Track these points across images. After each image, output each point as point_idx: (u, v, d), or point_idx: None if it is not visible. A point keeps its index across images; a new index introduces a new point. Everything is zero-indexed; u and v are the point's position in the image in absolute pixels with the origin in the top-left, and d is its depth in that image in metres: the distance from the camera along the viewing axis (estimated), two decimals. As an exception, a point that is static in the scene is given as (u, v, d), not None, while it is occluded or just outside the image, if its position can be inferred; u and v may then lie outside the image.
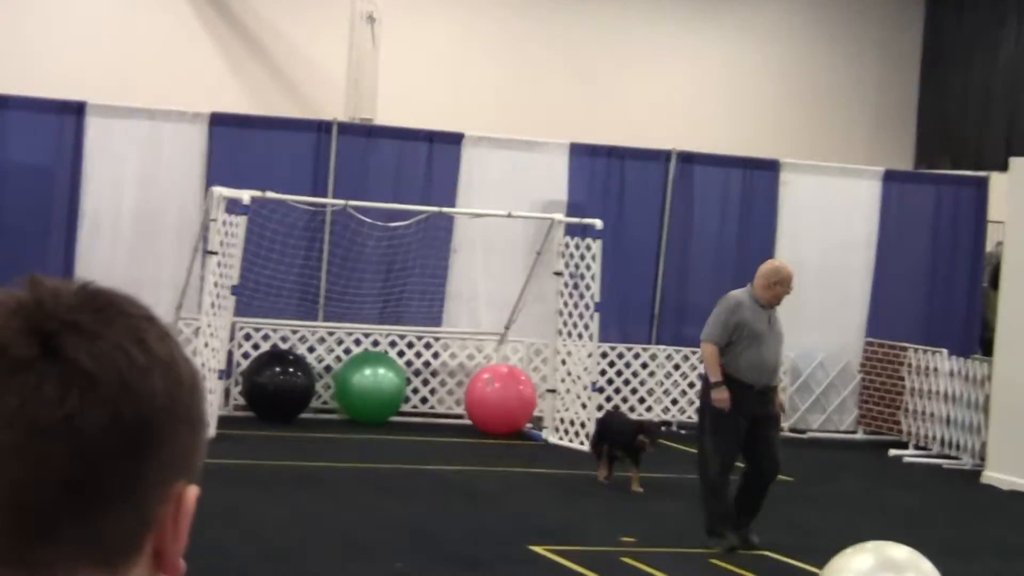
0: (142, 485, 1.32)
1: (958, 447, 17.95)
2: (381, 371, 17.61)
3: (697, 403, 18.79)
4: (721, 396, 11.72)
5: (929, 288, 19.70)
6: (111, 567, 1.32)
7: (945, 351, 18.46)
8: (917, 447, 18.50)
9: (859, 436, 19.46)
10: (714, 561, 11.57)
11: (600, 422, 15.49)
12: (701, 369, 18.86)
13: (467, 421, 18.02)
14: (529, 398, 17.40)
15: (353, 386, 17.42)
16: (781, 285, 12.23)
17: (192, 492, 1.38)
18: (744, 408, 11.76)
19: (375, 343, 18.04)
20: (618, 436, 14.54)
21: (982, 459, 17.10)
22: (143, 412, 1.31)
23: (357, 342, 18.00)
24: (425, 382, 18.23)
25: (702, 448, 12.17)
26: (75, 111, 17.38)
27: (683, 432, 18.58)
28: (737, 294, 12.37)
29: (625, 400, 18.72)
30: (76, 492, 1.29)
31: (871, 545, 8.96)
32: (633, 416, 16.73)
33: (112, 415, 1.29)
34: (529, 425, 17.48)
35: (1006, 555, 12.93)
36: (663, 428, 18.71)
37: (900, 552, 8.85)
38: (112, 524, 1.31)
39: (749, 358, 11.88)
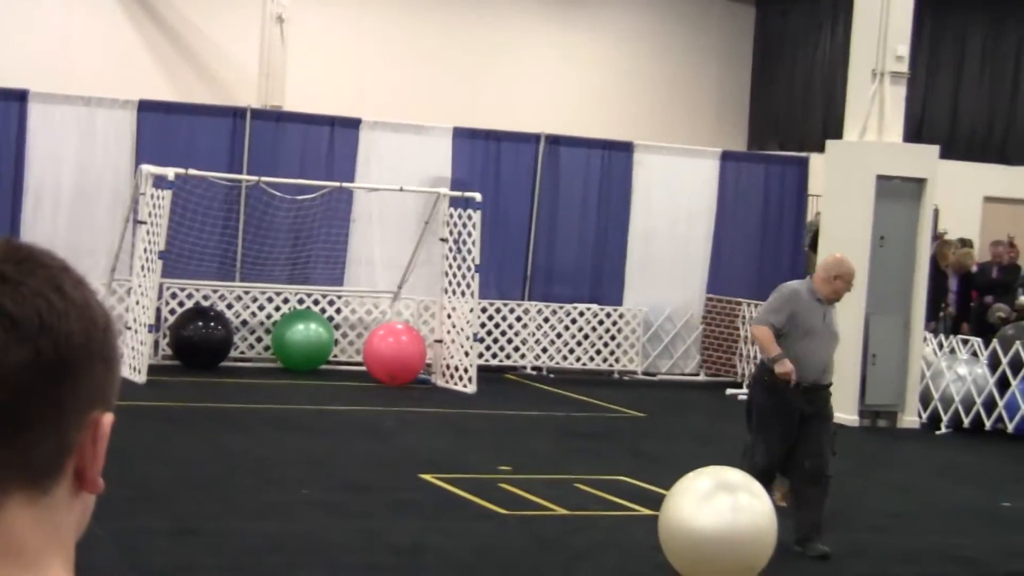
0: (62, 413, 1.31)
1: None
2: (313, 326, 17.54)
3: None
4: (784, 368, 9.87)
5: (760, 251, 19.88)
6: (38, 486, 1.32)
7: (773, 305, 18.64)
8: (749, 387, 18.68)
9: (701, 378, 19.63)
10: (578, 486, 11.60)
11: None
12: (568, 321, 19.04)
13: (366, 368, 17.97)
14: (420, 353, 17.24)
15: (287, 338, 17.35)
16: (841, 280, 10.10)
17: (108, 419, 1.37)
18: (793, 403, 9.92)
19: (285, 300, 17.92)
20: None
21: (804, 397, 17.31)
22: (61, 350, 1.31)
23: (270, 300, 17.89)
24: (332, 334, 18.12)
25: (748, 445, 10.22)
26: (18, 98, 17.08)
27: (552, 376, 18.66)
28: (794, 284, 10.43)
29: (502, 349, 18.74)
30: (3, 419, 1.29)
31: (710, 470, 9.02)
32: None
33: (34, 352, 1.29)
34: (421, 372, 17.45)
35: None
36: (548, 373, 18.79)
37: (735, 476, 8.93)
38: (37, 448, 1.31)
39: (799, 352, 9.91)
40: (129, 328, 16.13)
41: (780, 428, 9.93)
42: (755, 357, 18.75)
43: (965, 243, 22.17)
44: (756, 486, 8.87)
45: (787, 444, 9.90)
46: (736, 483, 8.80)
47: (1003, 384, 16.22)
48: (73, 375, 1.32)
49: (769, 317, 10.11)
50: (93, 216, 17.27)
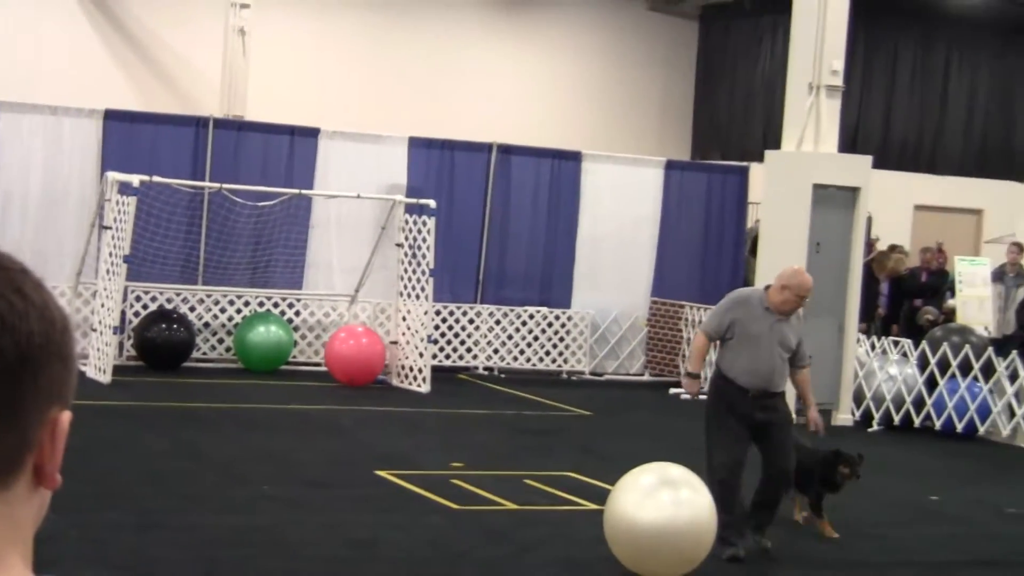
0: (22, 410, 1.31)
1: (699, 392, 18.18)
2: (273, 327, 17.50)
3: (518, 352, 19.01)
4: (687, 386, 10.11)
5: (702, 256, 19.99)
6: None
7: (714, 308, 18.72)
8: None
9: (646, 378, 19.71)
10: (527, 481, 11.64)
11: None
12: (519, 323, 19.07)
13: (325, 369, 17.95)
14: (380, 354, 17.20)
15: (247, 340, 17.30)
16: (790, 291, 9.48)
17: (66, 416, 1.36)
18: (740, 411, 9.55)
19: (246, 303, 17.87)
20: (808, 470, 10.41)
21: (744, 395, 17.38)
22: (21, 348, 1.30)
23: (231, 303, 17.85)
24: (291, 336, 18.08)
25: (706, 451, 9.80)
26: (-13, 107, 16.97)
27: (503, 376, 18.69)
28: (745, 291, 10.18)
29: (455, 350, 18.76)
30: None
31: (654, 466, 9.08)
32: (814, 448, 10.76)
33: None
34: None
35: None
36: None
37: (677, 471, 8.98)
38: None
39: (743, 361, 9.54)
40: (95, 330, 16.05)
41: (732, 431, 9.57)
42: (705, 359, 18.84)
43: (896, 248, 22.38)
44: (696, 481, 8.93)
45: (741, 448, 9.58)
46: (678, 479, 8.87)
47: (931, 383, 16.38)
48: (33, 373, 1.31)
49: (707, 325, 9.95)
50: (60, 221, 17.17)
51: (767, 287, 9.74)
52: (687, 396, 9.65)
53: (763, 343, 9.51)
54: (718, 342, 9.88)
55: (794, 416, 10.09)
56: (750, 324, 9.54)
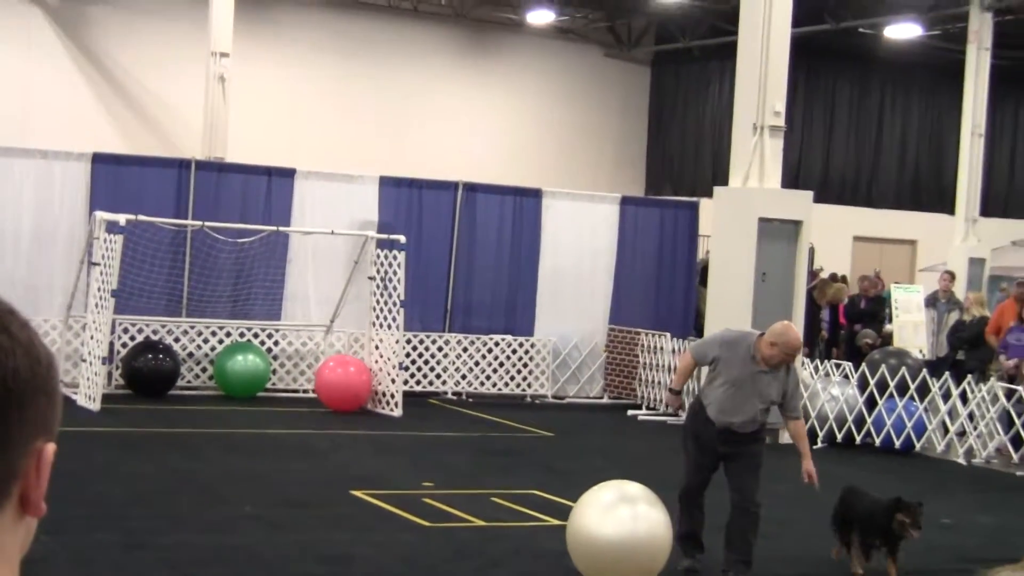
0: (9, 442, 1.30)
1: (680, 407, 18.23)
2: (251, 356, 17.42)
3: (483, 379, 18.98)
4: (669, 400, 10.06)
5: (656, 286, 20.02)
6: None
7: (668, 334, 18.79)
8: (648, 408, 18.80)
9: (605, 400, 19.69)
10: (495, 500, 11.61)
11: (842, 503, 10.11)
12: (485, 351, 19.05)
13: (303, 395, 17.89)
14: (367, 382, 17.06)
15: (227, 368, 17.22)
16: (777, 348, 9.08)
17: (50, 448, 1.36)
18: (704, 439, 9.40)
19: (228, 334, 17.79)
20: (868, 520, 9.75)
21: (697, 416, 17.38)
22: (8, 383, 1.29)
23: (213, 333, 17.77)
24: (269, 364, 18.00)
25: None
26: (-19, 151, 16.88)
27: (470, 400, 18.66)
28: (738, 334, 9.69)
29: (425, 376, 18.71)
30: None
31: (613, 483, 9.08)
32: (877, 497, 10.04)
33: None
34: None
35: (713, 485, 13.16)
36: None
37: (634, 488, 8.98)
38: None
39: (719, 396, 9.28)
40: (84, 360, 15.94)
41: (695, 455, 9.48)
42: (653, 380, 18.87)
43: (836, 278, 22.50)
44: (653, 497, 8.93)
45: (699, 475, 9.47)
46: (635, 495, 8.87)
47: (871, 403, 16.44)
48: (20, 407, 1.30)
49: (695, 349, 9.71)
50: (51, 258, 17.07)
51: (761, 334, 9.32)
52: (669, 407, 9.30)
53: (741, 389, 9.20)
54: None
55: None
56: (732, 367, 9.23)
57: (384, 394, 16.94)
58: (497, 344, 19.08)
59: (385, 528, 10.37)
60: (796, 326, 16.51)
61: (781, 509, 12.33)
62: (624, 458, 14.70)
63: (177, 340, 17.58)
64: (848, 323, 20.32)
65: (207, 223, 16.92)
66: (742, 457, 9.27)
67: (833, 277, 22.10)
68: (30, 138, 19.19)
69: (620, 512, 8.71)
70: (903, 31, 27.74)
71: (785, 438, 16.39)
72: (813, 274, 21.66)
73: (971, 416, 16.28)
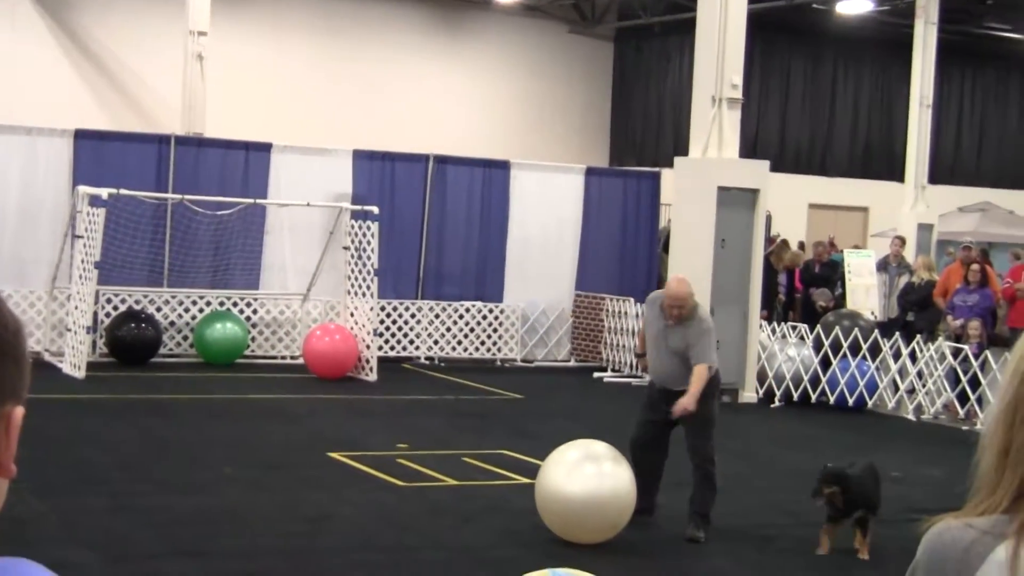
0: None
1: (644, 369, 18.28)
2: (230, 325, 17.34)
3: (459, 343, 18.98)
4: (639, 362, 10.11)
5: (620, 253, 20.03)
6: None
7: (632, 299, 18.81)
8: (613, 370, 18.84)
9: (572, 364, 19.71)
10: (466, 460, 11.62)
11: (840, 484, 8.98)
12: (456, 317, 19.04)
13: (280, 361, 17.85)
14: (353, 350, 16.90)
15: (207, 336, 17.14)
16: (668, 299, 9.37)
17: (19, 412, 1.34)
18: (652, 397, 9.71)
19: (208, 303, 17.71)
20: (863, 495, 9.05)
21: (659, 377, 17.41)
22: None
23: (194, 303, 17.68)
24: (247, 332, 17.94)
25: None
26: (-34, 129, 16.71)
27: (442, 365, 18.66)
28: (656, 295, 9.84)
29: (399, 342, 18.69)
30: None
31: (579, 442, 9.11)
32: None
33: None
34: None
35: (674, 443, 13.22)
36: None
37: (600, 447, 9.02)
38: None
39: (651, 355, 9.62)
40: (69, 330, 15.85)
41: (642, 411, 9.78)
42: (618, 344, 18.90)
43: (800, 246, 22.58)
44: (617, 455, 8.96)
45: (648, 428, 9.63)
46: (601, 454, 8.90)
47: (825, 363, 16.52)
48: None
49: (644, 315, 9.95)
50: (36, 232, 16.92)
51: None
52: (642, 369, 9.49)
53: (657, 345, 9.47)
54: None
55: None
56: (651, 326, 9.54)
57: (359, 359, 16.90)
58: (468, 311, 19.06)
59: (362, 488, 10.37)
60: (755, 291, 16.67)
61: (737, 465, 12.40)
62: (591, 418, 14.74)
63: (159, 309, 17.49)
64: (804, 287, 20.39)
65: (187, 196, 16.81)
66: (690, 417, 9.29)
67: (786, 244, 22.15)
68: (15, 115, 18.99)
69: (586, 470, 8.74)
70: (854, 6, 27.76)
71: (744, 398, 16.51)
72: (771, 240, 21.70)
73: (920, 374, 16.38)
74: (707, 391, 9.38)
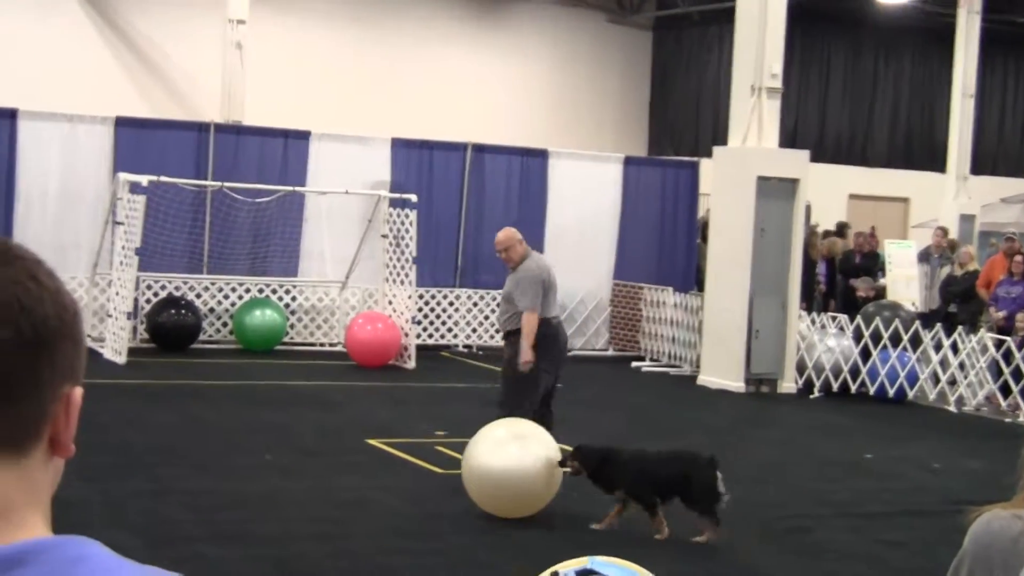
0: (40, 385, 1.31)
1: (680, 359, 18.29)
2: (269, 311, 17.45)
3: (496, 331, 18.99)
4: None
5: (658, 243, 19.99)
6: (19, 449, 1.31)
7: (671, 288, 18.79)
8: (651, 360, 18.82)
9: (610, 353, 19.72)
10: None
11: (583, 461, 8.99)
12: (494, 305, 19.06)
13: (319, 348, 17.93)
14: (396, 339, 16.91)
15: (246, 323, 17.25)
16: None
17: (78, 392, 1.36)
18: None
19: (247, 290, 17.82)
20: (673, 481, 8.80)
21: (697, 367, 17.43)
22: (39, 329, 1.30)
23: (233, 290, 17.79)
24: (286, 319, 18.04)
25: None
26: (9, 116, 16.84)
27: (480, 353, 18.69)
28: None
29: (437, 330, 18.73)
30: None
31: (505, 421, 9.32)
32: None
33: (15, 331, 1.28)
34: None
35: (711, 432, 13.23)
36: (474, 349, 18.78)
37: (528, 427, 9.14)
38: (19, 415, 1.30)
39: None
40: (110, 316, 15.99)
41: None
42: (655, 333, 18.87)
43: (844, 227, 22.48)
44: (546, 436, 9.16)
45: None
46: (528, 433, 9.09)
47: (865, 354, 16.45)
48: (50, 352, 1.31)
49: None
50: (77, 218, 17.07)
51: None
52: None
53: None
54: None
55: None
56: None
57: (398, 347, 16.94)
58: (505, 299, 19.05)
59: (398, 474, 10.42)
60: (794, 281, 16.60)
61: (775, 455, 12.39)
62: (627, 408, 14.75)
63: (198, 296, 17.61)
64: (844, 278, 20.29)
65: (226, 184, 16.91)
66: (505, 357, 10.25)
67: (828, 234, 22.03)
68: (56, 103, 19.14)
69: (510, 447, 8.94)
70: (896, -5, 27.56)
71: (783, 388, 16.46)
72: (811, 230, 21.61)
73: (961, 366, 16.29)
74: (516, 337, 10.02)
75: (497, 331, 18.77)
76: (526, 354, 9.88)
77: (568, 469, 8.92)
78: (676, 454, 8.99)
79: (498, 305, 12.01)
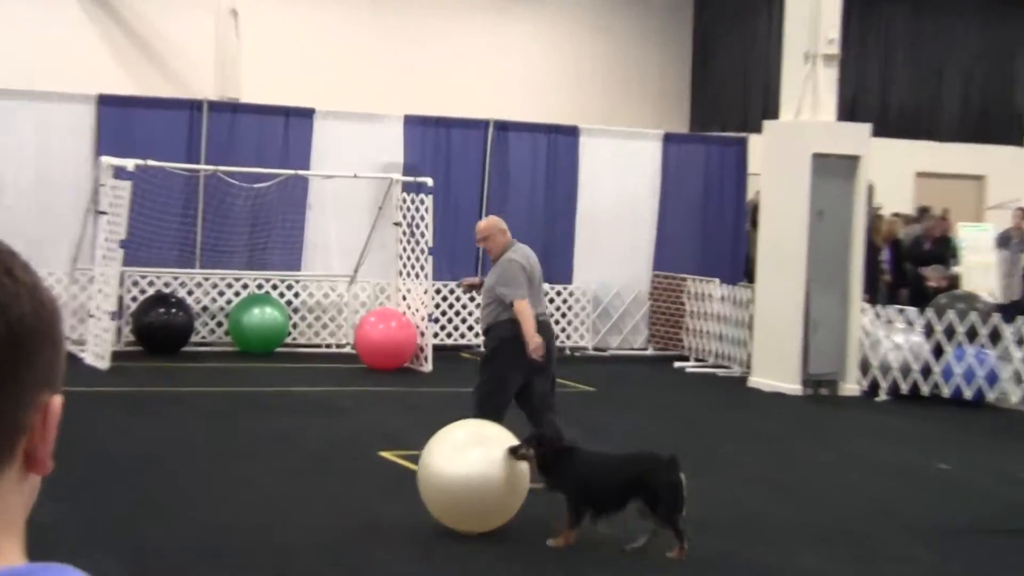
0: (16, 394, 1.28)
1: (729, 358, 18.16)
2: (269, 309, 17.40)
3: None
4: None
5: (703, 229, 19.87)
6: None
7: (717, 280, 18.66)
8: (696, 359, 18.70)
9: (650, 352, 19.61)
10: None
11: (537, 450, 9.08)
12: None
13: (324, 350, 17.85)
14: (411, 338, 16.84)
15: (244, 322, 17.21)
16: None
17: (57, 401, 1.33)
18: None
19: (245, 286, 17.76)
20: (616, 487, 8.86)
21: (748, 367, 17.30)
22: (15, 328, 1.27)
23: (229, 285, 17.74)
24: (288, 317, 17.98)
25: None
26: (-21, 94, 16.85)
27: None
28: None
29: (456, 328, 18.64)
30: None
31: (470, 422, 9.38)
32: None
33: None
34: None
35: (764, 440, 13.07)
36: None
37: (492, 429, 9.21)
38: None
39: None
40: (92, 316, 15.94)
41: None
42: (701, 330, 18.73)
43: (924, 212, 22.33)
44: (513, 440, 9.12)
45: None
46: (492, 437, 9.08)
47: (938, 351, 16.25)
48: (27, 353, 1.28)
49: None
50: (55, 207, 17.06)
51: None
52: None
53: None
54: None
55: None
56: None
57: (413, 348, 16.85)
58: (533, 293, 18.94)
59: (411, 488, 10.28)
60: (855, 269, 16.44)
61: (838, 466, 12.22)
62: (668, 413, 14.61)
63: (190, 293, 17.58)
64: (913, 265, 20.08)
65: (221, 168, 16.88)
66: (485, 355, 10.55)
67: (922, 210, 21.81)
68: (31, 79, 19.12)
69: (472, 453, 8.95)
70: (968, -50, 27.29)
71: (845, 390, 16.28)
72: (874, 213, 21.39)
73: (1046, 364, 16.07)
74: (502, 343, 10.17)
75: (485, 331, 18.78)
76: (533, 341, 10.02)
77: (520, 455, 9.02)
78: (634, 456, 9.15)
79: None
